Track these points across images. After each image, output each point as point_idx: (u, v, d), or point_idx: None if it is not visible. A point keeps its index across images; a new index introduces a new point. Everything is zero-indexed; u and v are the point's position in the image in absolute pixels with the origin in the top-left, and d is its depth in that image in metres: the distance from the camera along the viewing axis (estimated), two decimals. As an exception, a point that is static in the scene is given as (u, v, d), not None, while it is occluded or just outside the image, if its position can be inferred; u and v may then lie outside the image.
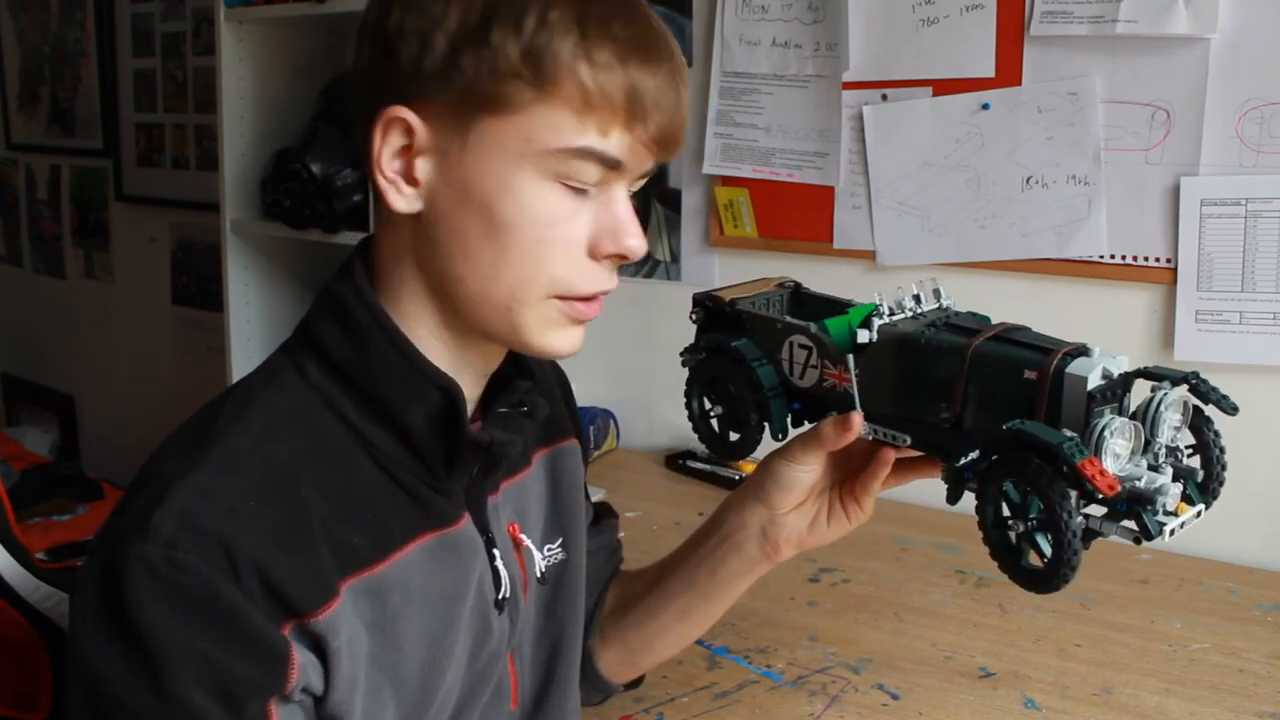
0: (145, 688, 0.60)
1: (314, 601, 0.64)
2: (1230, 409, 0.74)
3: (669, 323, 1.90)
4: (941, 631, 1.23)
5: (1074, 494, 0.66)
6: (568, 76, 0.65)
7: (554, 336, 0.72)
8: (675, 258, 1.88)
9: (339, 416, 0.70)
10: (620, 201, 0.70)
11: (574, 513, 0.91)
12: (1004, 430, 0.67)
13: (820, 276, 1.76)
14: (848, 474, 0.87)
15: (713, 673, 1.14)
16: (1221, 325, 1.45)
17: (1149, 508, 0.68)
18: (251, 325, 2.11)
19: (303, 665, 0.64)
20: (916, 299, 0.81)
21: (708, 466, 1.76)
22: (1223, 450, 0.74)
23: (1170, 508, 0.68)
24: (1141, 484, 0.68)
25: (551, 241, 0.68)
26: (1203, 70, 1.41)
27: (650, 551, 1.41)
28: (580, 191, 0.68)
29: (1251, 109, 1.40)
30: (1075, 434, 0.67)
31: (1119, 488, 0.66)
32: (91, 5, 2.86)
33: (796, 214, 1.75)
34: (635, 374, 1.93)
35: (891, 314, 0.79)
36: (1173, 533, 0.69)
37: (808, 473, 0.85)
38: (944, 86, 1.59)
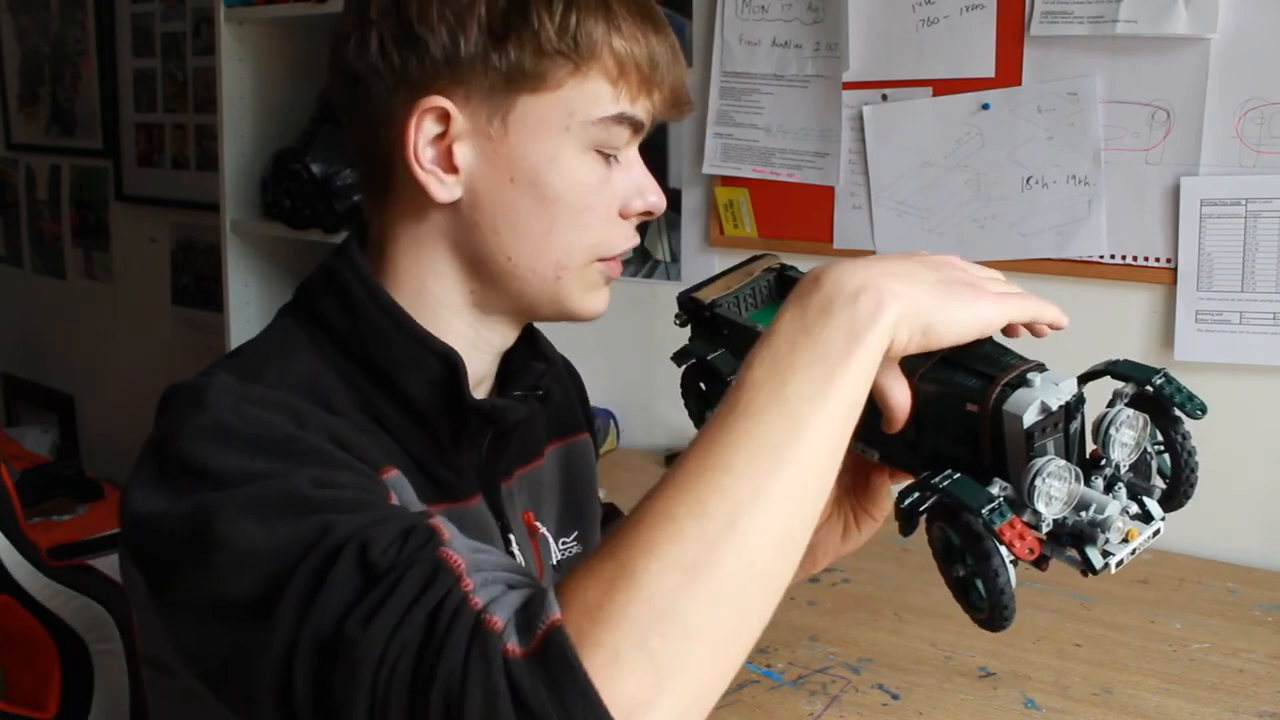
0: (255, 502, 0.56)
1: (378, 462, 0.64)
2: (1194, 412, 0.71)
3: (669, 323, 1.89)
4: (941, 631, 1.23)
5: (996, 549, 0.65)
6: (604, 49, 0.69)
7: (593, 298, 0.76)
8: (675, 258, 1.88)
9: (352, 386, 0.71)
10: (637, 163, 0.75)
11: (589, 507, 0.92)
12: (935, 483, 0.67)
13: (820, 276, 1.76)
14: (853, 480, 0.86)
15: (713, 673, 1.14)
16: (1221, 325, 1.45)
17: (1090, 544, 0.67)
18: (251, 325, 2.11)
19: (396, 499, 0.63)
20: None
21: (708, 466, 1.75)
22: (1191, 453, 0.72)
23: (1117, 539, 0.67)
24: (1087, 515, 0.66)
25: (594, 208, 0.72)
26: (1203, 70, 1.41)
27: (650, 551, 1.41)
28: (609, 157, 0.72)
29: (1251, 109, 1.40)
30: (1006, 487, 0.66)
31: (1040, 550, 0.65)
32: (91, 5, 2.86)
33: (796, 214, 1.75)
34: (635, 374, 1.93)
35: None
36: (1120, 563, 0.67)
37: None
38: (944, 86, 1.59)
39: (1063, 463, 0.64)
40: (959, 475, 0.66)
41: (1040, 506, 0.64)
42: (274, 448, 0.59)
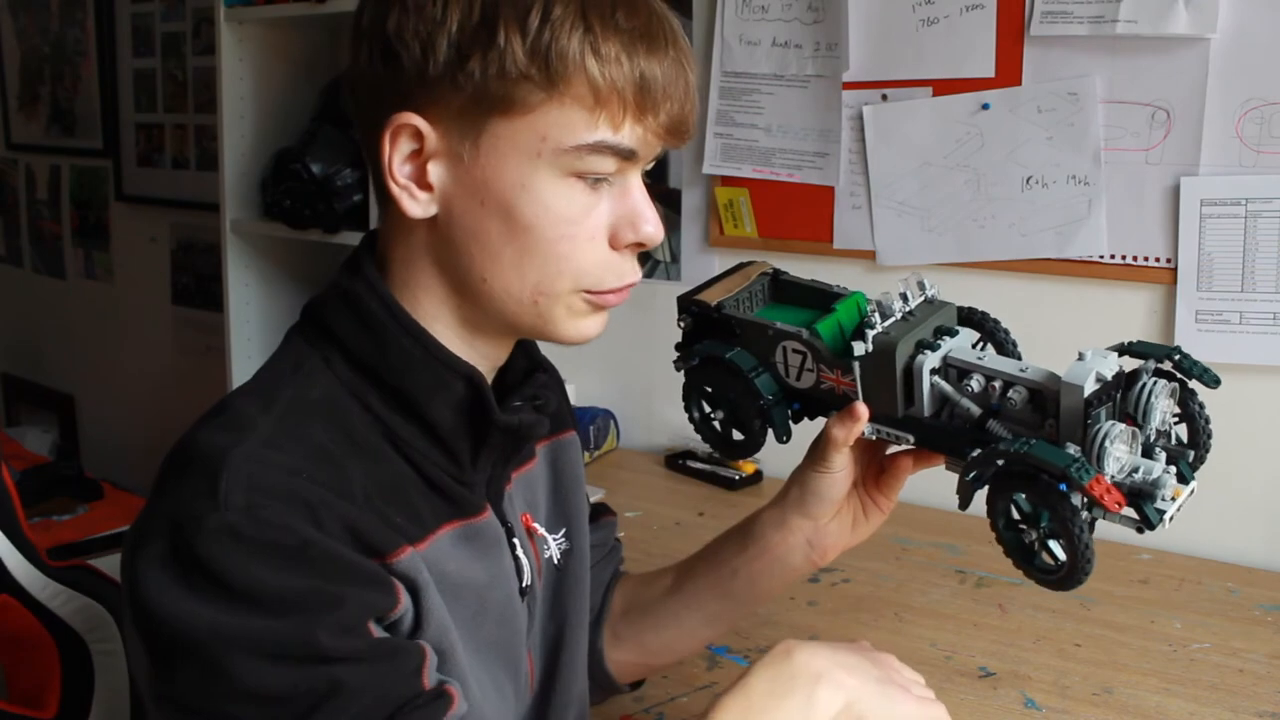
0: (271, 643, 0.59)
1: (389, 545, 0.65)
2: (1212, 382, 0.77)
3: (669, 323, 1.88)
4: (941, 631, 1.23)
5: (1081, 506, 0.69)
6: (577, 73, 0.64)
7: (580, 325, 0.73)
8: (675, 258, 1.88)
9: (365, 408, 0.70)
10: (635, 190, 0.70)
11: (577, 504, 0.92)
12: (1014, 449, 0.69)
13: (820, 276, 1.75)
14: (864, 469, 0.89)
15: (713, 673, 1.14)
16: (1221, 325, 1.45)
17: (1148, 501, 0.70)
18: (251, 325, 2.11)
19: (404, 593, 0.65)
20: (904, 297, 0.81)
21: (708, 466, 1.76)
22: (1208, 420, 0.78)
23: (1169, 496, 0.71)
24: (1139, 476, 0.71)
25: (574, 238, 0.68)
26: (1203, 70, 1.41)
27: (650, 551, 1.41)
28: (597, 184, 0.68)
29: (1251, 109, 1.40)
30: (1079, 449, 0.69)
31: (1125, 503, 0.69)
32: (91, 5, 2.86)
33: (796, 214, 1.75)
34: (635, 374, 1.93)
35: (883, 316, 0.79)
36: (1171, 518, 0.71)
37: (841, 475, 0.86)
38: (944, 86, 1.59)
39: (1124, 426, 0.69)
40: (1036, 440, 0.70)
41: (1108, 468, 0.69)
42: (290, 559, 0.60)
